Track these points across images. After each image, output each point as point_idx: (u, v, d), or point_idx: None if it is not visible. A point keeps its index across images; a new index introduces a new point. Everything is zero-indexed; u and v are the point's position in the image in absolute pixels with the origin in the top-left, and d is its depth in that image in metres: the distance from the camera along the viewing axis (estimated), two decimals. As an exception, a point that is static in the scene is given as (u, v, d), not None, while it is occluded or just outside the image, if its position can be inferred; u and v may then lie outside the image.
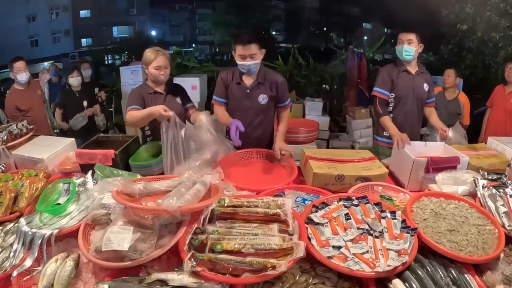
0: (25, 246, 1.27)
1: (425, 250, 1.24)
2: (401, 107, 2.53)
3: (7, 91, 3.48)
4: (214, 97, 2.31)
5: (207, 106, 5.04)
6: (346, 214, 1.33)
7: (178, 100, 2.29)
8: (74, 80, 3.78)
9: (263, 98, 2.24)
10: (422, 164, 1.72)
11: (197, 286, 1.08)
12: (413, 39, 2.37)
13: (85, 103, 3.86)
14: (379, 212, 1.34)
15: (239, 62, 2.13)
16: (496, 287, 1.16)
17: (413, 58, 2.44)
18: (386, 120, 2.42)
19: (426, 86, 2.54)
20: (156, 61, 2.10)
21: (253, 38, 2.07)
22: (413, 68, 2.50)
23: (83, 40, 21.54)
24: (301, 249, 1.09)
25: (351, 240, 1.21)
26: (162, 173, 1.98)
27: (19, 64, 3.26)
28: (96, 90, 4.60)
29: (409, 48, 2.38)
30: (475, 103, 4.08)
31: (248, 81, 2.23)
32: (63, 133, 4.12)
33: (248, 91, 2.22)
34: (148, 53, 2.12)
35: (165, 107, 1.82)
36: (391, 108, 2.56)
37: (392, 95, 2.53)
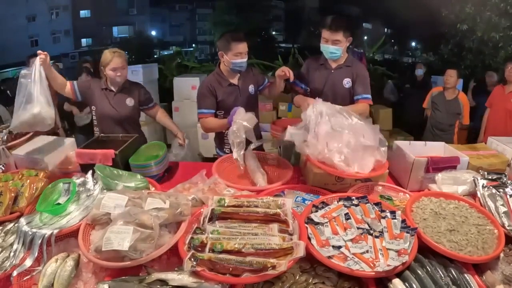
0: (25, 246, 1.28)
1: (425, 250, 1.24)
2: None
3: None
4: (202, 110, 2.14)
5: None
6: (346, 214, 1.33)
7: (129, 101, 2.29)
8: None
9: (252, 88, 2.24)
10: (422, 164, 1.72)
11: (197, 286, 1.08)
12: (340, 39, 2.06)
13: None
14: (379, 212, 1.34)
15: (236, 60, 2.05)
16: (496, 287, 1.16)
17: (340, 56, 2.16)
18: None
19: (347, 82, 2.18)
20: (112, 62, 2.14)
21: (244, 36, 2.07)
22: (335, 63, 2.20)
23: (83, 40, 21.54)
24: (301, 249, 1.09)
25: (351, 240, 1.21)
26: (165, 171, 1.99)
27: None
28: None
29: (335, 48, 2.08)
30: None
31: (235, 79, 2.19)
32: (64, 132, 4.11)
33: (239, 87, 2.19)
34: (106, 55, 2.16)
35: (44, 54, 1.83)
36: None
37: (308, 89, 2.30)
